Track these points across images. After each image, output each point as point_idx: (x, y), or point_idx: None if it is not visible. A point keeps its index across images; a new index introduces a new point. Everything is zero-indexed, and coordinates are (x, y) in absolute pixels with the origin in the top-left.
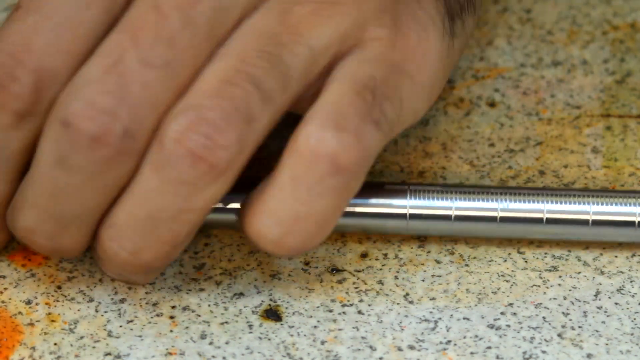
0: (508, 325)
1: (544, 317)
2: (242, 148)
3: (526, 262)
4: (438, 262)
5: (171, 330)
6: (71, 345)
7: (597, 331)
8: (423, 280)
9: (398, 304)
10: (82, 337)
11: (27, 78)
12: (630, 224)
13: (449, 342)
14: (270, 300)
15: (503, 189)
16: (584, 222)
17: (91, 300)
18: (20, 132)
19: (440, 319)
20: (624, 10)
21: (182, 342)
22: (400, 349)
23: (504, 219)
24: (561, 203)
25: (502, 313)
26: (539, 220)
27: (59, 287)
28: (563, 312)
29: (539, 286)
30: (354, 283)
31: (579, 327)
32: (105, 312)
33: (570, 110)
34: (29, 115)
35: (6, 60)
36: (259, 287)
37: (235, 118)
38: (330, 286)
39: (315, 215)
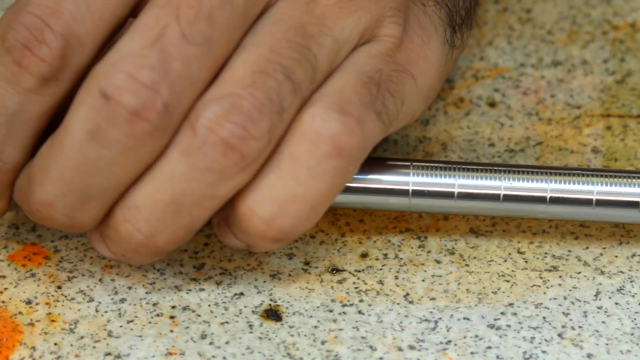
0: (508, 325)
1: (544, 317)
2: (271, 138)
3: (526, 262)
4: (438, 262)
5: (171, 330)
6: (71, 345)
7: (597, 331)
8: (423, 280)
9: (398, 304)
10: (82, 337)
11: (55, 42)
12: (634, 204)
13: (449, 342)
14: (271, 300)
15: (507, 167)
16: (588, 202)
17: (91, 300)
18: (41, 96)
19: (440, 319)
20: (624, 10)
21: (182, 342)
22: (400, 349)
23: (507, 197)
24: (565, 183)
25: (502, 313)
26: (542, 200)
27: (59, 287)
28: (563, 312)
29: (539, 286)
30: (354, 283)
31: (579, 327)
32: (106, 312)
33: (570, 110)
34: (53, 80)
35: (34, 22)
36: (259, 287)
37: (269, 108)
38: (331, 286)
39: (310, 196)
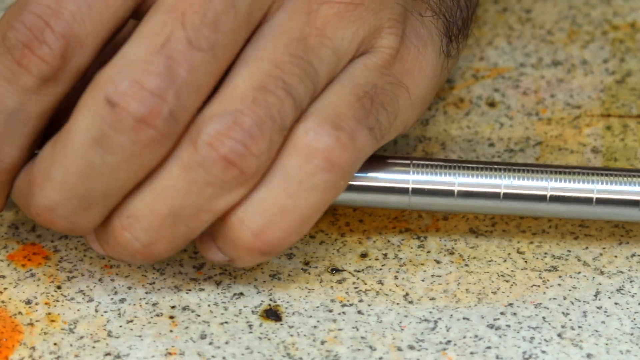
0: (508, 325)
1: (543, 317)
2: (270, 154)
3: (526, 262)
4: (438, 262)
5: (171, 330)
6: (71, 345)
7: (597, 331)
8: (423, 280)
9: (398, 304)
10: (81, 337)
11: (55, 42)
12: (635, 203)
13: (448, 342)
14: (270, 300)
15: (507, 166)
16: (588, 201)
17: (91, 300)
18: (40, 96)
19: (440, 319)
20: (624, 10)
21: (182, 342)
22: (400, 349)
23: (507, 196)
24: (565, 181)
25: (502, 313)
26: (542, 198)
27: (59, 287)
28: (563, 312)
29: (538, 286)
30: (353, 283)
31: (579, 327)
32: (105, 312)
33: (570, 110)
34: (53, 80)
35: (35, 22)
36: (259, 287)
37: (269, 126)
38: (330, 286)
39: (300, 209)
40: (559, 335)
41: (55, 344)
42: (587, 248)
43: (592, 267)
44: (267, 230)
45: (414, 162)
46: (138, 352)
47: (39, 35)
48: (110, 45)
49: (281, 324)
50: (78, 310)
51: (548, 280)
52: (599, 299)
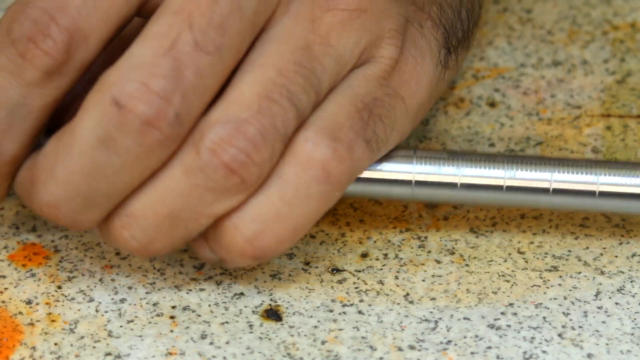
0: (508, 325)
1: (544, 317)
2: (272, 163)
3: (526, 262)
4: (438, 262)
5: (171, 330)
6: (71, 345)
7: (597, 331)
8: (423, 280)
9: (398, 304)
10: (82, 337)
11: (59, 36)
12: (638, 196)
13: (449, 342)
14: (271, 300)
15: (511, 158)
16: (591, 194)
17: (91, 300)
18: (43, 90)
19: (440, 319)
20: (624, 10)
21: (183, 342)
22: (400, 349)
23: (510, 188)
24: (569, 173)
25: (502, 313)
26: (545, 191)
27: (59, 287)
28: (563, 312)
29: (539, 286)
30: (354, 283)
31: (580, 327)
32: (106, 312)
33: (570, 110)
34: (56, 74)
35: (40, 16)
36: (259, 287)
37: (272, 135)
38: (331, 286)
39: (294, 217)
40: (560, 335)
41: (55, 344)
42: (587, 248)
43: (592, 267)
44: (260, 236)
45: (417, 153)
46: (138, 352)
47: (43, 29)
48: (115, 42)
49: (282, 324)
50: (78, 310)
51: (548, 280)
52: (600, 299)
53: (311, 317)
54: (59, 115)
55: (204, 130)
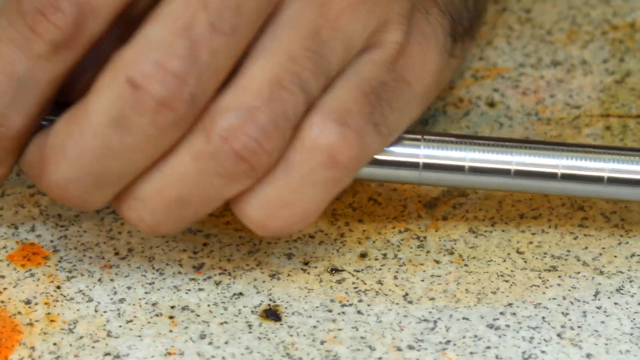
0: (507, 325)
1: (543, 317)
2: (281, 150)
3: (525, 262)
4: (437, 262)
5: (170, 330)
6: (70, 345)
7: (596, 331)
8: (422, 280)
9: (397, 304)
10: (81, 337)
11: (70, 9)
12: None
13: (448, 342)
14: (270, 300)
15: (519, 142)
16: (599, 180)
17: (90, 300)
18: (51, 63)
19: (439, 319)
20: (623, 10)
21: (182, 342)
22: (399, 349)
23: (518, 173)
24: (578, 159)
25: (501, 313)
26: (553, 176)
27: (59, 287)
28: (562, 312)
29: (538, 286)
30: (353, 283)
31: (579, 327)
32: (105, 312)
33: (569, 110)
34: (65, 47)
35: None
36: (259, 287)
37: (283, 123)
38: (330, 286)
39: (301, 204)
40: (559, 335)
41: (54, 344)
42: (586, 248)
43: (591, 267)
44: (268, 222)
45: (425, 137)
46: (138, 352)
47: (53, 1)
48: (126, 17)
49: (281, 324)
50: (78, 310)
51: (547, 280)
52: (599, 299)
53: (310, 317)
54: (66, 90)
55: (215, 117)
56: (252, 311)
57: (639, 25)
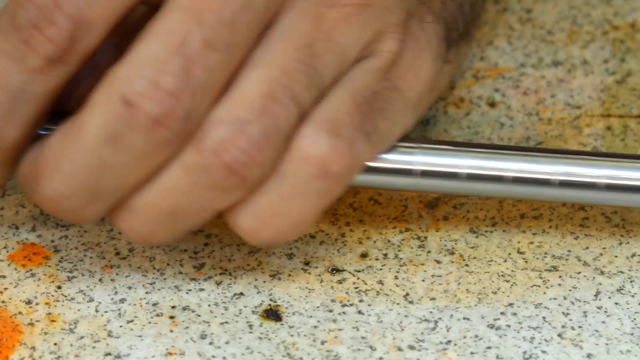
0: (508, 325)
1: (544, 317)
2: (273, 163)
3: (526, 262)
4: (438, 262)
5: (171, 330)
6: (71, 345)
7: (597, 331)
8: (423, 280)
9: (398, 304)
10: (82, 337)
11: (64, 23)
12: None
13: (449, 342)
14: (270, 300)
15: (516, 150)
16: (595, 186)
17: (91, 300)
18: (46, 77)
19: (440, 319)
20: (624, 10)
21: (182, 342)
22: (400, 349)
23: (515, 180)
24: (570, 166)
25: (502, 313)
26: (547, 183)
27: (59, 287)
28: (563, 312)
29: (539, 286)
30: (354, 283)
31: (579, 327)
32: (105, 312)
33: (570, 110)
34: (59, 61)
35: (45, 2)
36: (259, 287)
37: (275, 137)
38: (330, 286)
39: (293, 213)
40: (559, 335)
41: (55, 344)
42: (587, 248)
43: (592, 267)
44: (260, 232)
45: (422, 145)
46: (138, 352)
47: (48, 15)
48: (120, 30)
49: (281, 324)
50: (78, 310)
51: (548, 280)
52: (599, 299)
53: (311, 317)
54: (62, 99)
55: (206, 130)
56: (252, 311)
57: (639, 25)
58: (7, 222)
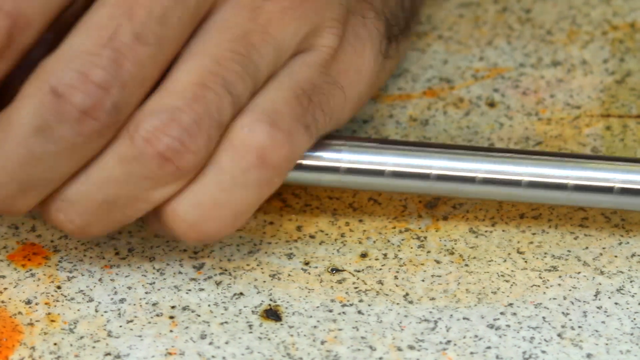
0: (508, 325)
1: (543, 317)
2: (208, 150)
3: (526, 262)
4: (438, 262)
5: (171, 330)
6: (71, 345)
7: (597, 331)
8: (423, 280)
9: (398, 304)
10: (81, 337)
11: (2, 21)
12: (562, 186)
13: (448, 342)
14: (270, 300)
15: (439, 147)
16: (517, 183)
17: (91, 300)
18: None
19: (440, 319)
20: (623, 10)
21: (182, 342)
22: (400, 349)
23: (440, 177)
24: (500, 164)
25: (501, 313)
26: (471, 180)
27: (59, 287)
28: (563, 312)
29: (538, 286)
30: (353, 283)
31: (579, 327)
32: (105, 312)
33: (569, 110)
34: None
35: None
36: (259, 287)
37: (207, 123)
38: (330, 286)
39: (233, 204)
40: (559, 335)
41: (55, 344)
42: (587, 248)
43: (592, 267)
44: (201, 223)
45: (347, 142)
46: (138, 352)
47: None
48: (57, 26)
49: (281, 324)
50: (78, 310)
51: (548, 280)
52: (599, 299)
53: (311, 317)
54: None
55: (138, 120)
56: (252, 311)
57: (639, 25)
58: (7, 222)
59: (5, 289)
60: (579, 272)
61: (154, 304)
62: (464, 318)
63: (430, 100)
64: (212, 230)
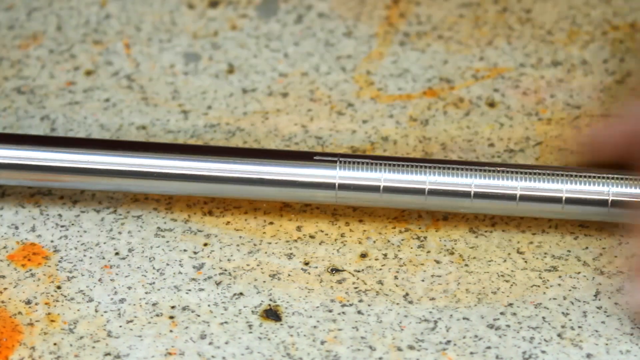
0: (508, 325)
1: (543, 317)
2: None
3: (526, 262)
4: (438, 262)
5: (171, 331)
6: (71, 345)
7: (596, 331)
8: (423, 280)
9: (398, 304)
10: (81, 337)
11: None
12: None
13: (448, 342)
14: (270, 300)
15: (432, 163)
16: (512, 197)
17: (91, 300)
18: None
19: (439, 319)
20: (623, 10)
21: (182, 342)
22: (399, 349)
23: (432, 192)
24: (489, 179)
25: (501, 313)
26: (466, 194)
27: (59, 287)
28: (563, 312)
29: (538, 286)
30: (353, 283)
31: (579, 327)
32: (105, 312)
33: (570, 110)
34: None
35: None
36: (259, 287)
37: None
38: (330, 286)
39: None
40: (559, 335)
41: (55, 344)
42: (587, 248)
43: (592, 267)
44: None
45: (340, 159)
46: (138, 352)
47: None
48: None
49: (281, 324)
50: (78, 310)
51: (548, 280)
52: (599, 299)
53: (310, 317)
54: None
55: None
56: (252, 311)
57: (639, 26)
58: (7, 222)
59: (5, 289)
60: (579, 272)
61: (153, 304)
62: (463, 318)
63: (430, 100)
64: None
